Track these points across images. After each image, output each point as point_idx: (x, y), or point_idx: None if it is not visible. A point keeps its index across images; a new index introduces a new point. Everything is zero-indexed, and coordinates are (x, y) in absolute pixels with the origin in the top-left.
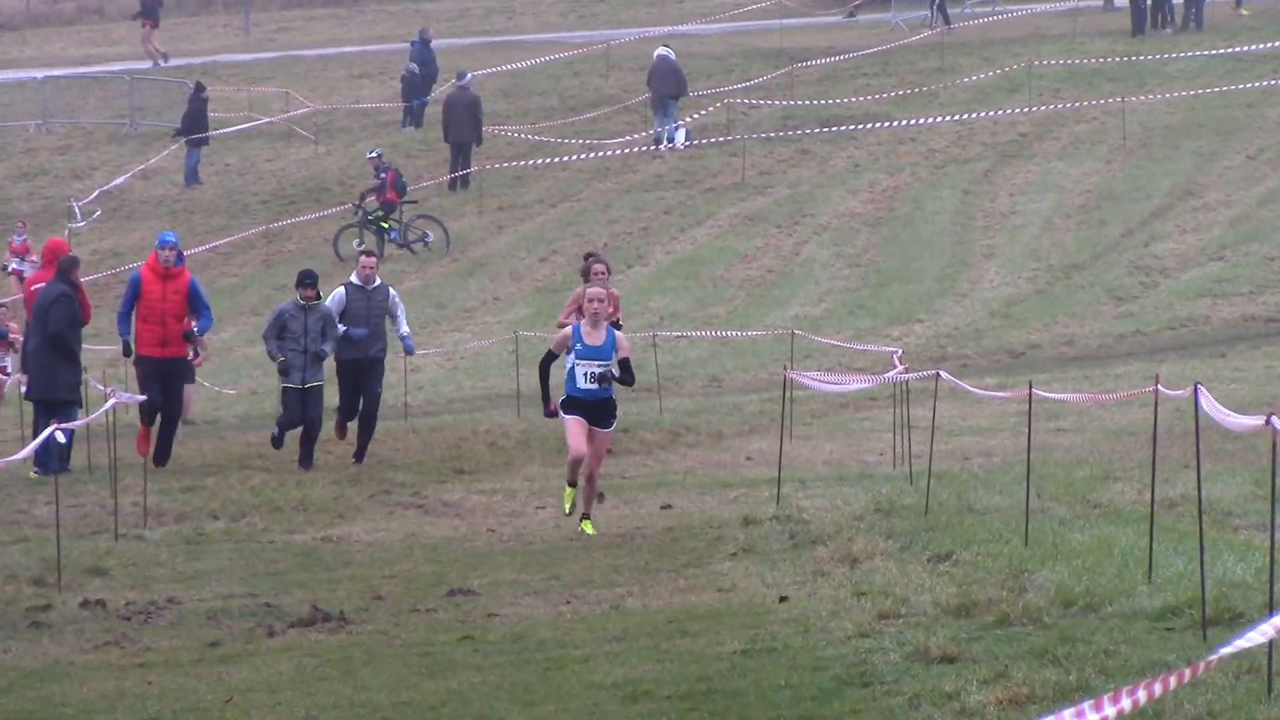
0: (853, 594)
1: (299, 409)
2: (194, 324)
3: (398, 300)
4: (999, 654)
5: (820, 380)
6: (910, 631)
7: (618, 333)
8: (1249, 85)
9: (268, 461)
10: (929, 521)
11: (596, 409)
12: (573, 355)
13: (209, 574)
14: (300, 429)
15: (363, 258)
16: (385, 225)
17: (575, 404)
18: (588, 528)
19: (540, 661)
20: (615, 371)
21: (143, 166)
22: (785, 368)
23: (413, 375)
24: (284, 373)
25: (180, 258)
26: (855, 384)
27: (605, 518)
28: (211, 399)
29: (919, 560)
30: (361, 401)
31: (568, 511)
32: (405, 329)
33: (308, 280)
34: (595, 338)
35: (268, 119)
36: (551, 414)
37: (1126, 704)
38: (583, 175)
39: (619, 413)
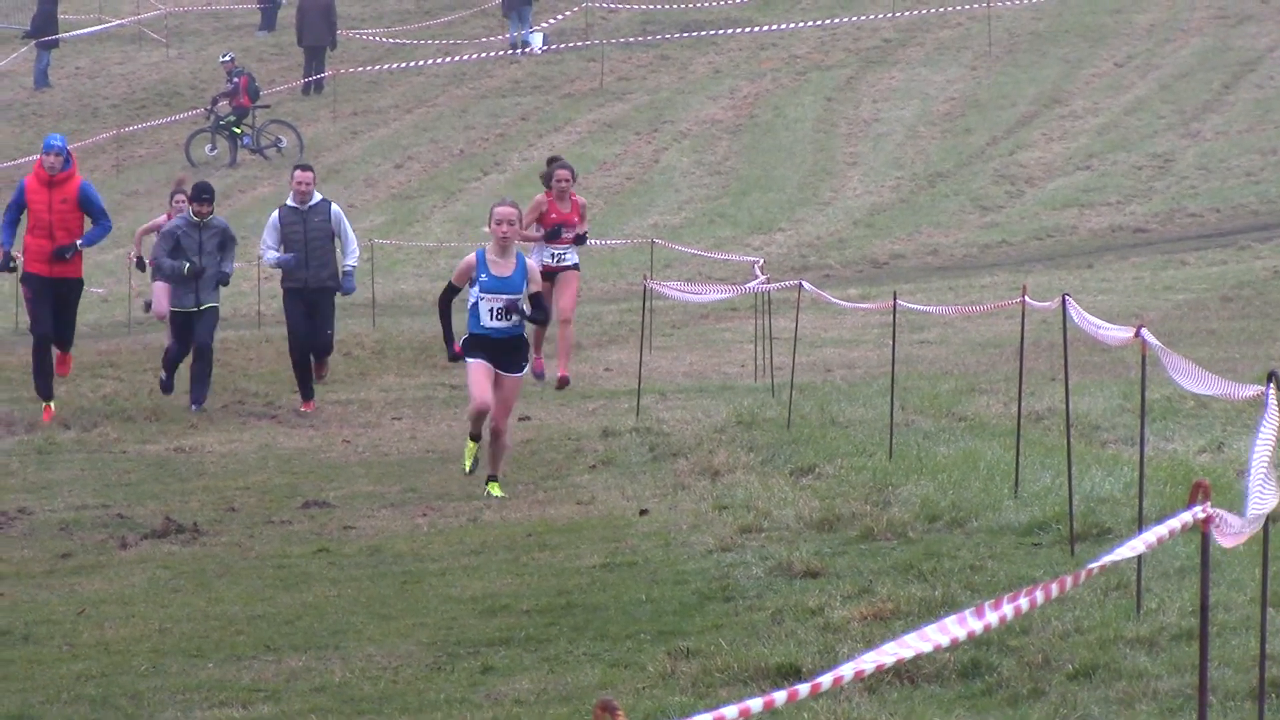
0: (714, 508)
1: (186, 336)
2: (77, 240)
3: (342, 218)
4: (863, 569)
5: (680, 290)
6: (772, 546)
7: (529, 261)
8: None
9: (120, 371)
10: (791, 434)
11: (505, 349)
12: (477, 288)
13: (61, 484)
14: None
15: (297, 173)
16: (238, 130)
17: (480, 343)
18: (495, 490)
19: (397, 575)
20: (526, 308)
21: None
22: (645, 277)
23: (266, 283)
24: (173, 291)
25: (68, 162)
26: (716, 294)
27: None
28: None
29: (781, 474)
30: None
31: (468, 470)
32: (351, 261)
33: (204, 195)
34: (503, 268)
35: (119, 21)
36: (457, 357)
37: (993, 619)
38: (438, 80)
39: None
